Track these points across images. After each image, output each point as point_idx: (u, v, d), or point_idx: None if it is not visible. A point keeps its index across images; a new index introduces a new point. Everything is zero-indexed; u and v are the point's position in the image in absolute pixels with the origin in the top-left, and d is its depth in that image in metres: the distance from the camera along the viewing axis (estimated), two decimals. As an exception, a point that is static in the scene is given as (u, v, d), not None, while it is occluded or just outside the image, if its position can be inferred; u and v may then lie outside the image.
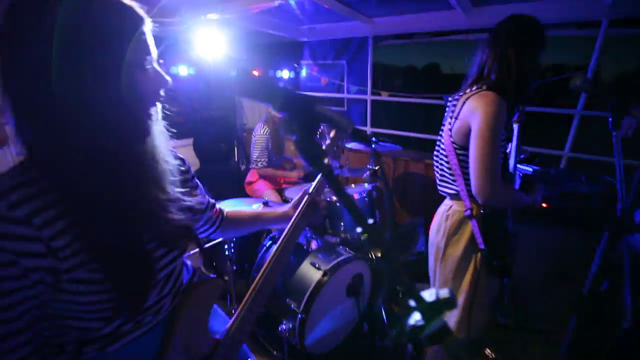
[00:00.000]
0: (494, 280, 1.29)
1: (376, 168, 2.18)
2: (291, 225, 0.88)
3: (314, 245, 1.90)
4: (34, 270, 0.48)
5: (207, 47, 2.63)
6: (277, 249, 0.83)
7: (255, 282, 0.77)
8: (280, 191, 2.63)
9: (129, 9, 0.54)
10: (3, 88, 0.49)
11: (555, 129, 2.43)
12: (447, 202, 1.35)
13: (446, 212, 1.32)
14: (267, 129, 2.65)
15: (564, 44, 2.37)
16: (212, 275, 0.77)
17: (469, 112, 1.15)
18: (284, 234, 0.87)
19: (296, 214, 0.91)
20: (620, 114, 0.97)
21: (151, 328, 0.65)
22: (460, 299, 1.28)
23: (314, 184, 1.01)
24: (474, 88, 1.19)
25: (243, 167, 3.57)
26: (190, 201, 0.70)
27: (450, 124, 1.25)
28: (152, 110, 0.60)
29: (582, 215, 1.72)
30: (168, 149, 0.69)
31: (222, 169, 3.54)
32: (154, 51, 0.59)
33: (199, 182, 0.88)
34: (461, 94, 1.23)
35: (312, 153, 0.38)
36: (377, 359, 1.86)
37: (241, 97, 0.53)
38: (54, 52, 0.47)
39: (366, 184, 2.30)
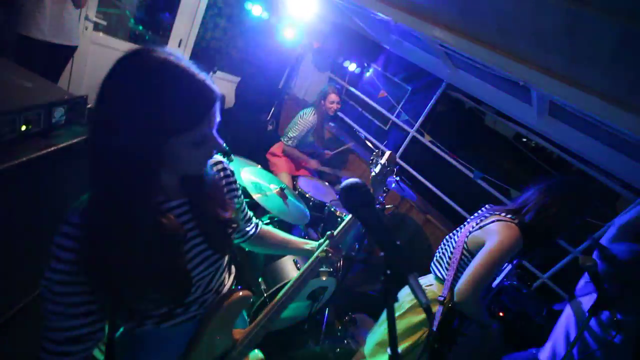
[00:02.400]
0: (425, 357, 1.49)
1: (387, 206, 2.31)
2: (307, 268, 0.96)
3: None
4: None
5: (295, 3, 2.60)
6: (293, 285, 0.94)
7: (266, 312, 0.89)
8: (294, 178, 2.75)
9: (203, 100, 0.58)
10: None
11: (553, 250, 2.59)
12: (431, 279, 1.51)
13: (425, 286, 1.49)
14: (315, 118, 2.72)
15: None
16: (240, 288, 0.88)
17: (491, 232, 1.29)
18: (300, 274, 0.96)
19: (314, 256, 0.97)
20: (600, 307, 1.12)
21: (196, 316, 0.79)
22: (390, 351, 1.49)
23: (338, 229, 1.05)
24: (508, 215, 1.32)
25: (269, 128, 3.64)
26: (231, 215, 0.80)
27: (472, 227, 1.39)
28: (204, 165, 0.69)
29: (521, 340, 1.92)
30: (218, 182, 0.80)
31: (250, 120, 3.60)
32: (217, 119, 0.63)
33: (241, 195, 0.94)
34: (496, 212, 1.36)
35: (389, 300, 0.51)
36: (301, 356, 2.10)
37: (357, 217, 0.60)
38: (122, 128, 0.55)
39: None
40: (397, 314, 1.52)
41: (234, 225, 0.81)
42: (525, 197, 1.33)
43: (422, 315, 1.42)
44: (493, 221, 1.32)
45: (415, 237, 3.05)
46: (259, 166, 2.38)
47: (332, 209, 2.37)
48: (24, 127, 0.79)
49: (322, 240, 1.06)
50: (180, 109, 0.56)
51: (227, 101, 3.63)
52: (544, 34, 1.14)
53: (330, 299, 2.14)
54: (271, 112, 3.65)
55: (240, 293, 0.85)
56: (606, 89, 1.20)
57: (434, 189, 3.08)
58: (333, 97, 2.73)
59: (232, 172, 0.88)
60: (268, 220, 2.15)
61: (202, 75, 0.59)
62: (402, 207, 3.15)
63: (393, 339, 0.53)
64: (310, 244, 1.08)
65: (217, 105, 0.61)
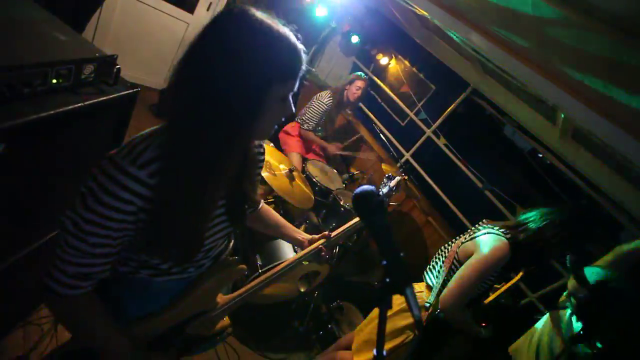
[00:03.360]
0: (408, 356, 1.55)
1: (390, 204, 2.32)
2: (299, 257, 1.04)
3: (302, 229, 2.11)
4: (143, 212, 0.62)
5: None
6: (279, 270, 1.01)
7: (249, 285, 0.95)
8: (304, 160, 2.76)
9: (301, 56, 0.63)
10: (185, 75, 0.61)
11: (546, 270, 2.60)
12: (422, 287, 1.55)
13: (417, 291, 1.53)
14: (331, 101, 2.68)
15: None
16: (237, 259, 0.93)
17: (481, 243, 1.31)
18: (291, 260, 1.04)
19: (306, 250, 1.07)
20: (581, 340, 1.14)
21: (190, 277, 0.83)
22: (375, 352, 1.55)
23: (336, 232, 1.13)
24: (501, 230, 1.33)
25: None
26: (256, 194, 0.85)
27: (465, 239, 1.42)
28: (273, 129, 0.71)
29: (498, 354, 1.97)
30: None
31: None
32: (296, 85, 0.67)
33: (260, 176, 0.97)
34: (490, 226, 1.38)
35: (383, 306, 0.53)
36: (284, 333, 2.19)
37: (369, 227, 0.61)
38: (233, 69, 0.57)
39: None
40: None
41: (251, 203, 0.86)
42: (526, 216, 1.35)
43: (409, 320, 1.46)
44: (484, 233, 1.35)
45: (411, 237, 3.08)
46: (271, 144, 2.39)
47: (337, 198, 2.39)
48: (54, 81, 0.80)
49: (317, 237, 1.11)
50: (287, 59, 0.61)
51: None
52: (585, 59, 1.10)
53: (321, 284, 2.20)
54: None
55: (237, 266, 0.90)
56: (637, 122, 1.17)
57: (440, 192, 3.07)
58: (360, 83, 2.69)
59: (264, 150, 0.91)
60: (272, 199, 2.19)
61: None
62: (404, 206, 3.16)
63: (381, 343, 0.56)
64: (302, 235, 1.12)
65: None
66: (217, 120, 0.59)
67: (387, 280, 0.55)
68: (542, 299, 2.54)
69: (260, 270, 1.85)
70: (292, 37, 0.62)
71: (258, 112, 0.61)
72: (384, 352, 0.55)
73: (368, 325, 1.62)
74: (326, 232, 1.09)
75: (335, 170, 2.82)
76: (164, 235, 0.65)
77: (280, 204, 2.19)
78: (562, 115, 1.83)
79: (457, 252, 1.40)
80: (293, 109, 0.68)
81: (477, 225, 1.49)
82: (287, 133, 2.85)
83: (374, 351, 0.57)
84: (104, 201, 0.58)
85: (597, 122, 1.32)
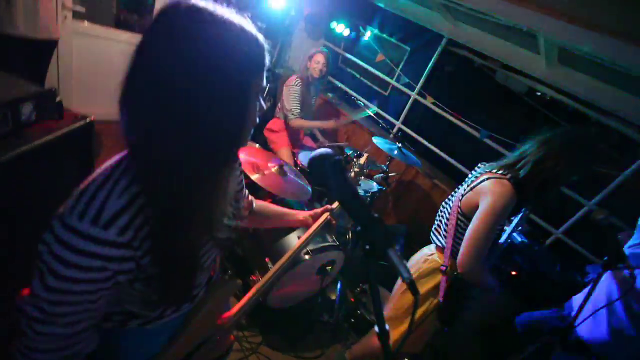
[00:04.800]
0: (436, 324, 1.48)
1: (391, 174, 2.25)
2: (306, 239, 1.00)
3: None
4: (120, 274, 0.54)
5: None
6: (287, 257, 0.95)
7: (261, 283, 0.88)
8: (294, 154, 2.69)
9: (264, 45, 0.56)
10: (132, 91, 0.53)
11: (565, 205, 2.49)
12: (432, 249, 1.47)
13: (427, 256, 1.46)
14: (299, 82, 2.59)
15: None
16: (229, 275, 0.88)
17: (483, 191, 1.23)
18: (298, 245, 0.99)
19: (313, 228, 1.03)
20: (616, 262, 1.07)
21: (184, 313, 0.76)
22: (404, 327, 1.49)
23: (337, 205, 1.10)
24: (500, 172, 1.25)
25: (267, 105, 3.54)
26: (237, 210, 0.79)
27: (465, 190, 1.33)
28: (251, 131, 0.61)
29: (537, 298, 1.91)
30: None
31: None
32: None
33: (243, 183, 0.90)
34: (488, 170, 1.30)
35: (372, 276, 0.48)
36: (316, 329, 2.16)
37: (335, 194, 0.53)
38: (191, 78, 0.48)
39: (375, 184, 2.39)
40: (403, 288, 1.51)
41: (237, 218, 0.79)
42: (522, 150, 1.25)
43: (426, 288, 1.40)
44: (484, 180, 1.26)
45: (422, 203, 3.01)
46: (257, 145, 2.33)
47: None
48: (-9, 129, 0.76)
49: (320, 210, 1.09)
50: (258, 49, 0.54)
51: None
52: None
53: (341, 272, 2.16)
54: (267, 88, 3.54)
55: (233, 282, 0.86)
56: (614, 24, 1.07)
57: (439, 152, 2.98)
58: (319, 57, 2.56)
59: (239, 163, 0.84)
60: (270, 199, 2.14)
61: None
62: (407, 175, 3.08)
63: (380, 316, 0.51)
64: (303, 214, 1.10)
65: None
66: (206, 138, 0.51)
67: (368, 247, 0.50)
68: (568, 234, 2.45)
69: (271, 266, 1.81)
70: (253, 27, 0.54)
71: (246, 112, 0.54)
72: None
73: (388, 304, 1.57)
74: (327, 206, 1.08)
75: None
76: (156, 287, 0.58)
77: (277, 202, 2.14)
78: (543, 40, 1.72)
79: (460, 207, 1.32)
80: (264, 105, 0.62)
81: (473, 172, 1.40)
82: (272, 131, 2.78)
83: (375, 327, 0.52)
84: (70, 277, 0.49)
85: (581, 35, 1.23)
